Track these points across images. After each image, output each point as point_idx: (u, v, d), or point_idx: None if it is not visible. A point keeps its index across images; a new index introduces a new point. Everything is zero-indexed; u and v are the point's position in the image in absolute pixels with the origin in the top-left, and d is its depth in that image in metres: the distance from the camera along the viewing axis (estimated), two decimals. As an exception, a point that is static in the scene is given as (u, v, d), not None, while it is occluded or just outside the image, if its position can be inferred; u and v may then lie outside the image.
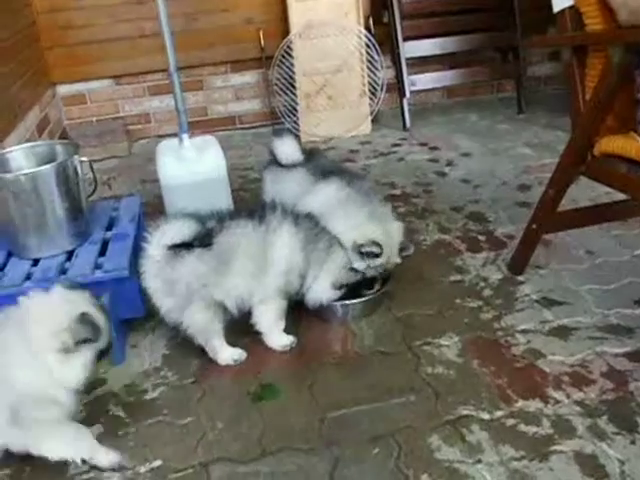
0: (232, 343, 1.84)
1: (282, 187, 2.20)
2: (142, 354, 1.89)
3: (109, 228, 2.13)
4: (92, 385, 1.77)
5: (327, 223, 1.91)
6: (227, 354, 1.80)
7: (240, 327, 1.87)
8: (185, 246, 1.69)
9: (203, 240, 1.70)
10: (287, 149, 2.27)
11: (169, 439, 1.56)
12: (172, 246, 1.69)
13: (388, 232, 1.98)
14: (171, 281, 1.71)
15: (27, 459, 1.52)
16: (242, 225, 1.78)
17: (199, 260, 1.70)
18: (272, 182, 2.29)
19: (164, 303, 1.75)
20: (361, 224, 1.95)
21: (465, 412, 1.55)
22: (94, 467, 1.49)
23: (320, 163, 2.26)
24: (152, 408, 1.67)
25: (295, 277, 1.81)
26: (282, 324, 1.85)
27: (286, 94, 3.74)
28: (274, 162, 2.30)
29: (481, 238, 2.39)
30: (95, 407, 1.69)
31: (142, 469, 1.48)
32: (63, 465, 1.50)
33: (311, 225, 1.86)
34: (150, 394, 1.72)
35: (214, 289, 1.73)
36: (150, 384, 1.76)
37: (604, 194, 2.37)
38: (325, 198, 2.00)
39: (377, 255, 1.89)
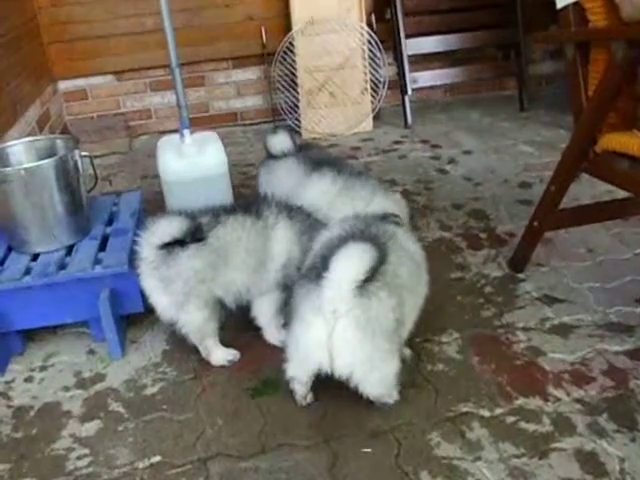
0: (231, 339, 1.84)
1: (275, 177, 2.23)
2: (142, 349, 1.89)
3: (109, 223, 2.13)
4: (91, 381, 1.77)
5: (332, 211, 1.92)
6: (220, 355, 1.79)
7: (239, 323, 1.87)
8: (178, 243, 1.68)
9: (194, 235, 1.69)
10: (277, 140, 2.31)
11: (168, 435, 1.56)
12: (164, 245, 1.67)
13: (397, 203, 2.04)
14: (167, 279, 1.69)
15: (25, 455, 1.53)
16: (240, 219, 1.77)
17: (195, 256, 1.69)
18: (265, 174, 2.32)
19: (160, 302, 1.74)
20: (371, 201, 1.97)
21: (465, 409, 1.55)
22: (92, 462, 1.49)
23: (312, 153, 2.29)
24: (151, 404, 1.67)
25: (293, 269, 1.81)
26: (280, 319, 1.85)
27: (288, 91, 3.74)
28: (268, 156, 2.35)
29: (482, 235, 2.38)
30: (94, 402, 1.69)
31: (141, 464, 1.48)
32: (62, 460, 1.51)
33: (304, 215, 1.86)
34: (149, 389, 1.72)
35: (212, 284, 1.72)
36: (150, 379, 1.76)
37: (605, 192, 2.37)
38: (325, 187, 2.02)
39: (398, 224, 1.88)
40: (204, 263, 1.70)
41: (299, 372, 1.55)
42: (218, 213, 1.78)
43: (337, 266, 1.40)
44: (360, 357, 1.44)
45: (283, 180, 2.20)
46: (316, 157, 2.28)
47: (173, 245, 1.68)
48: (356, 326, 1.41)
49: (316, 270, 1.45)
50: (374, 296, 1.42)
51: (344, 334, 1.41)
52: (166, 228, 1.69)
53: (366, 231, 1.56)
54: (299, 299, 1.49)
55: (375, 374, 1.48)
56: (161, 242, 1.67)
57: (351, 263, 1.40)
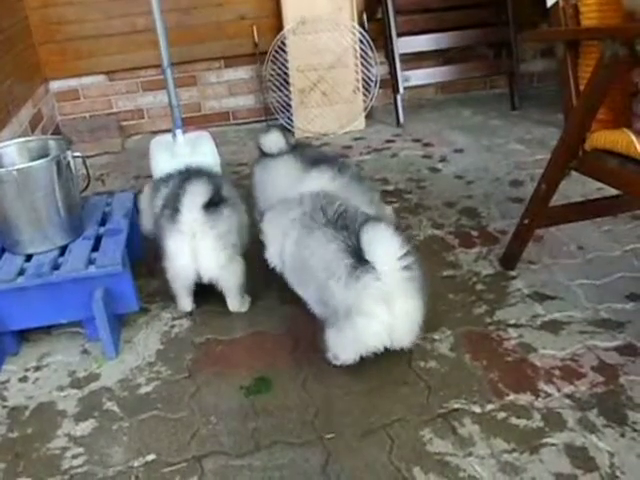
0: (228, 339, 1.85)
1: (269, 176, 2.23)
2: (136, 349, 1.90)
3: (102, 223, 2.13)
4: (86, 380, 1.78)
5: None
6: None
7: (235, 324, 1.88)
8: (211, 204, 1.85)
9: (220, 195, 1.90)
10: (271, 138, 2.32)
11: (163, 433, 1.56)
12: (205, 205, 1.83)
13: (383, 215, 2.08)
14: (224, 235, 1.87)
15: (20, 454, 1.53)
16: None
17: (233, 211, 1.92)
18: (260, 172, 2.32)
19: (210, 261, 1.87)
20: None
21: (457, 405, 1.57)
22: (87, 461, 1.50)
23: (306, 152, 2.29)
24: (146, 403, 1.68)
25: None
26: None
27: (280, 90, 3.74)
28: (262, 154, 2.34)
29: (474, 233, 2.40)
30: (89, 402, 1.69)
31: (136, 463, 1.48)
32: (57, 459, 1.51)
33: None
34: (144, 389, 1.73)
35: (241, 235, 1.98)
36: (144, 379, 1.76)
37: (595, 190, 2.39)
38: (319, 186, 2.04)
39: None
40: (238, 217, 1.96)
41: (353, 355, 1.66)
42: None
43: (381, 253, 1.52)
44: (414, 319, 1.62)
45: (278, 178, 2.20)
46: (316, 155, 2.28)
47: (209, 205, 1.84)
48: (412, 296, 1.58)
49: (352, 266, 1.54)
50: (414, 265, 1.57)
51: (403, 308, 1.57)
52: (202, 190, 1.84)
53: (358, 211, 1.72)
54: (351, 295, 1.56)
55: (415, 330, 1.64)
56: (204, 202, 1.82)
57: (390, 246, 1.53)
